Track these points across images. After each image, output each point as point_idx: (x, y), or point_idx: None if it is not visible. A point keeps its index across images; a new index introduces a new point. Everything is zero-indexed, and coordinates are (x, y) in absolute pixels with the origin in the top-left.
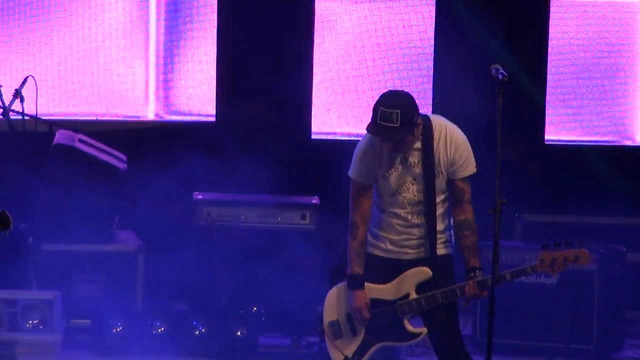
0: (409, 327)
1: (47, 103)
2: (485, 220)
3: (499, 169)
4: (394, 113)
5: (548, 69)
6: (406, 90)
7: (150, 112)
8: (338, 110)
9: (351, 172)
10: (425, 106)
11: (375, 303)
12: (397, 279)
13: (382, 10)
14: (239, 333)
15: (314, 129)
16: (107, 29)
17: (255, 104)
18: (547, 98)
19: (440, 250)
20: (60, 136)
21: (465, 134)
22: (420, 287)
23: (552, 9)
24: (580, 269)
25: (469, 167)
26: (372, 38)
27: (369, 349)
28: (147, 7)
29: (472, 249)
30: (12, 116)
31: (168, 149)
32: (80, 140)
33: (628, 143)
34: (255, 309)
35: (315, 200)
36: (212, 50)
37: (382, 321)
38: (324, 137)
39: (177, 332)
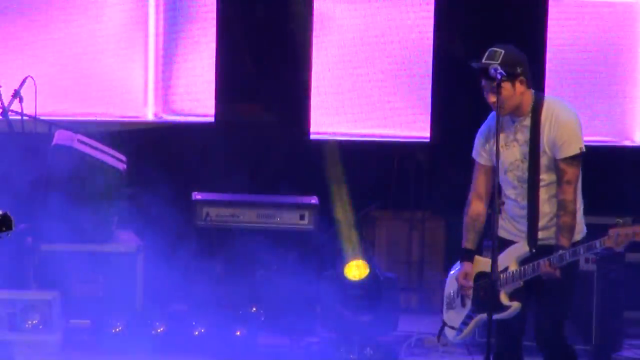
0: (503, 299)
1: (46, 103)
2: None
3: (497, 169)
4: (497, 52)
5: (546, 69)
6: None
7: (149, 112)
8: (337, 110)
9: (473, 151)
10: (424, 106)
11: (481, 276)
12: (502, 254)
13: (381, 11)
14: (238, 333)
15: (312, 129)
16: (106, 29)
17: (253, 104)
18: None
19: (544, 234)
20: (60, 136)
21: (465, 133)
22: (522, 263)
23: (550, 9)
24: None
25: (570, 148)
26: (371, 38)
27: (472, 320)
28: (146, 7)
29: (562, 229)
30: (11, 116)
31: (167, 149)
32: (80, 141)
33: (627, 143)
34: (254, 309)
35: (314, 200)
36: (211, 50)
37: (483, 293)
38: (322, 137)
39: (176, 332)
